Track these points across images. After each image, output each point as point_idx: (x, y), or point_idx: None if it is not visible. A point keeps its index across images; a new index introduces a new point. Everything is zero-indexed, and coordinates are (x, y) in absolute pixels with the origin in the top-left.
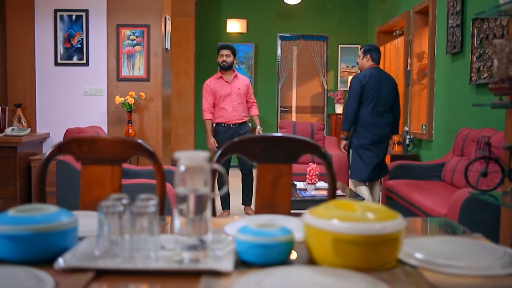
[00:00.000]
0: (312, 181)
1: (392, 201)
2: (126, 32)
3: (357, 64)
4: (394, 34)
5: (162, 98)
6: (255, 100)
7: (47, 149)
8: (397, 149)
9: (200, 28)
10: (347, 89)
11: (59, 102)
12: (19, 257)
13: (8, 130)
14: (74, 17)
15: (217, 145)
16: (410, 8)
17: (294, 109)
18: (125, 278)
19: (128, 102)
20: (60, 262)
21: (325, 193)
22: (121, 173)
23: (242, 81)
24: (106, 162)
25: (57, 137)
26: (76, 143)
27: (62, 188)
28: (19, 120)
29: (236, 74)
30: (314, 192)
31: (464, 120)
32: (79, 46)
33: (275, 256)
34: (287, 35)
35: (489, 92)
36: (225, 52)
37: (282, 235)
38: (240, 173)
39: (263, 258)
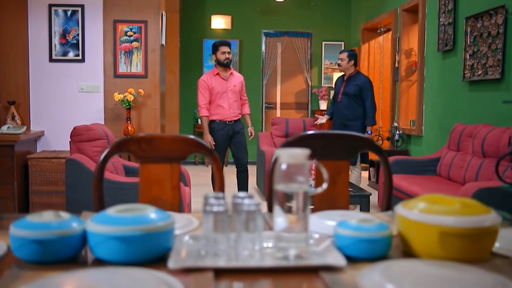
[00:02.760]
0: (313, 177)
1: (392, 195)
2: (123, 28)
3: (340, 66)
4: (379, 31)
5: (160, 95)
6: (247, 98)
7: (42, 147)
8: (384, 145)
9: (184, 24)
10: (332, 85)
11: (54, 99)
12: (127, 258)
13: (4, 128)
14: (69, 12)
15: (214, 143)
16: (397, 6)
17: (278, 105)
18: (239, 276)
19: (127, 99)
20: (176, 262)
21: None
22: (179, 172)
23: (237, 78)
24: (165, 160)
25: (52, 135)
26: (135, 141)
27: (72, 187)
28: (13, 118)
29: (232, 72)
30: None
31: (456, 116)
32: (75, 42)
33: (378, 250)
34: (272, 31)
35: (483, 89)
36: (227, 49)
37: (383, 230)
38: (236, 170)
39: (367, 252)
